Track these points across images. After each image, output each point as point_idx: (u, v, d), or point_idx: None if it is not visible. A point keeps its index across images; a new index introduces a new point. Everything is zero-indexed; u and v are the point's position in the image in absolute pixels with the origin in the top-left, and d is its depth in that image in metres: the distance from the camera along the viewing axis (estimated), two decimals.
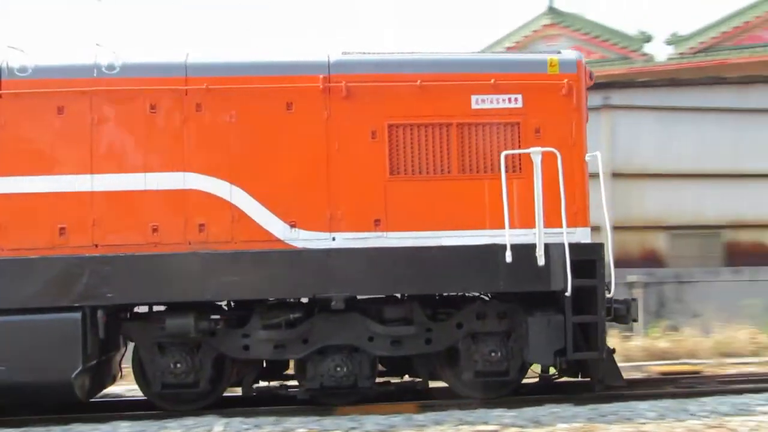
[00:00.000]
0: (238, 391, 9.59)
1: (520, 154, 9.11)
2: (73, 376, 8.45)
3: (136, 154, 8.88)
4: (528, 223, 8.95)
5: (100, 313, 8.63)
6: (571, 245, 8.84)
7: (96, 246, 8.76)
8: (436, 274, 8.90)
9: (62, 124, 8.84)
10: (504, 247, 8.76)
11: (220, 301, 9.11)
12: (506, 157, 8.99)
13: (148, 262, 8.65)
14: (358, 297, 9.06)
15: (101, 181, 8.81)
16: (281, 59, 9.20)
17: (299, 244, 8.92)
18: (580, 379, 9.64)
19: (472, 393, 9.30)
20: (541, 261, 8.82)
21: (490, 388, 9.35)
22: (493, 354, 9.24)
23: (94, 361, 8.74)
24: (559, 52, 9.53)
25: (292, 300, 9.13)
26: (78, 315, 8.53)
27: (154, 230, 8.83)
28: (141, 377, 9.21)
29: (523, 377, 9.62)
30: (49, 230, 8.74)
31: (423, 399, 9.47)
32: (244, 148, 8.96)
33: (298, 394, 9.23)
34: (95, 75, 8.87)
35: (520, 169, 9.11)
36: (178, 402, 9.16)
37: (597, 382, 9.34)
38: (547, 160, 8.96)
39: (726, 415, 8.10)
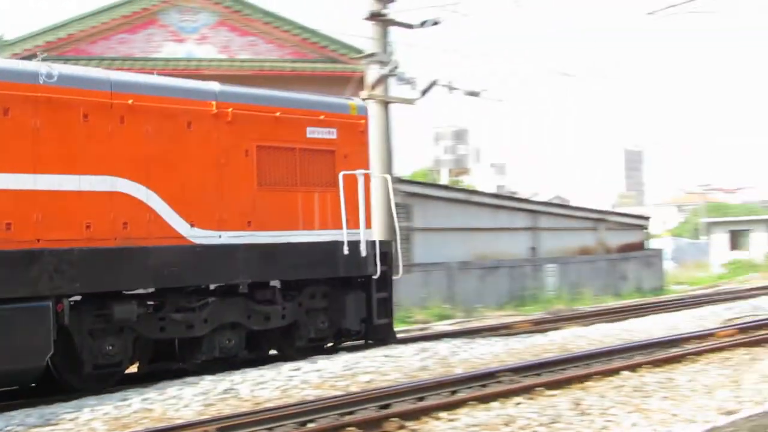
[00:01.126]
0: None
1: (333, 174, 12.22)
2: (47, 360, 9.09)
3: (72, 157, 9.73)
4: (339, 225, 12.14)
5: (66, 302, 9.34)
6: (374, 242, 12.33)
7: (38, 241, 9.39)
8: (301, 264, 11.58)
9: (8, 125, 9.27)
10: (342, 243, 11.90)
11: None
12: (327, 175, 12.10)
13: (112, 255, 9.70)
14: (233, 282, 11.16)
15: (43, 181, 9.48)
16: (183, 85, 10.89)
17: (197, 241, 10.72)
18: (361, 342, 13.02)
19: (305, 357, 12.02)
20: (363, 253, 12.15)
21: (317, 349, 12.20)
22: (321, 324, 12.12)
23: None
24: (352, 99, 12.90)
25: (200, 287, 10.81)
26: (49, 303, 9.16)
27: (87, 227, 9.80)
28: (65, 362, 9.86)
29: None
30: None
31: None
32: (158, 158, 10.44)
33: (190, 367, 10.87)
34: (40, 81, 9.49)
35: (335, 184, 12.22)
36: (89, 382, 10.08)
37: (379, 340, 12.86)
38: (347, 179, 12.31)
39: (33, 426, 8.17)
